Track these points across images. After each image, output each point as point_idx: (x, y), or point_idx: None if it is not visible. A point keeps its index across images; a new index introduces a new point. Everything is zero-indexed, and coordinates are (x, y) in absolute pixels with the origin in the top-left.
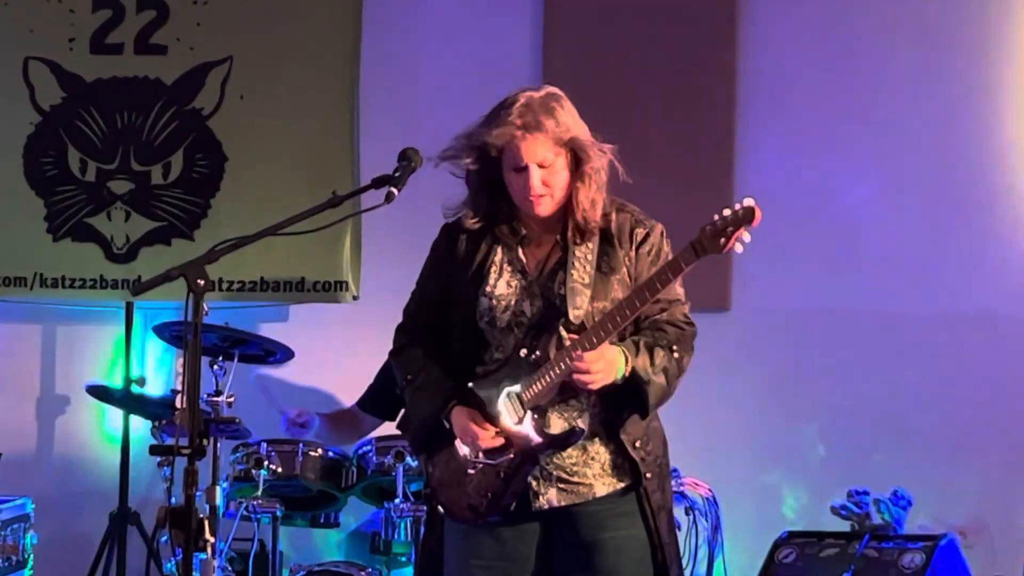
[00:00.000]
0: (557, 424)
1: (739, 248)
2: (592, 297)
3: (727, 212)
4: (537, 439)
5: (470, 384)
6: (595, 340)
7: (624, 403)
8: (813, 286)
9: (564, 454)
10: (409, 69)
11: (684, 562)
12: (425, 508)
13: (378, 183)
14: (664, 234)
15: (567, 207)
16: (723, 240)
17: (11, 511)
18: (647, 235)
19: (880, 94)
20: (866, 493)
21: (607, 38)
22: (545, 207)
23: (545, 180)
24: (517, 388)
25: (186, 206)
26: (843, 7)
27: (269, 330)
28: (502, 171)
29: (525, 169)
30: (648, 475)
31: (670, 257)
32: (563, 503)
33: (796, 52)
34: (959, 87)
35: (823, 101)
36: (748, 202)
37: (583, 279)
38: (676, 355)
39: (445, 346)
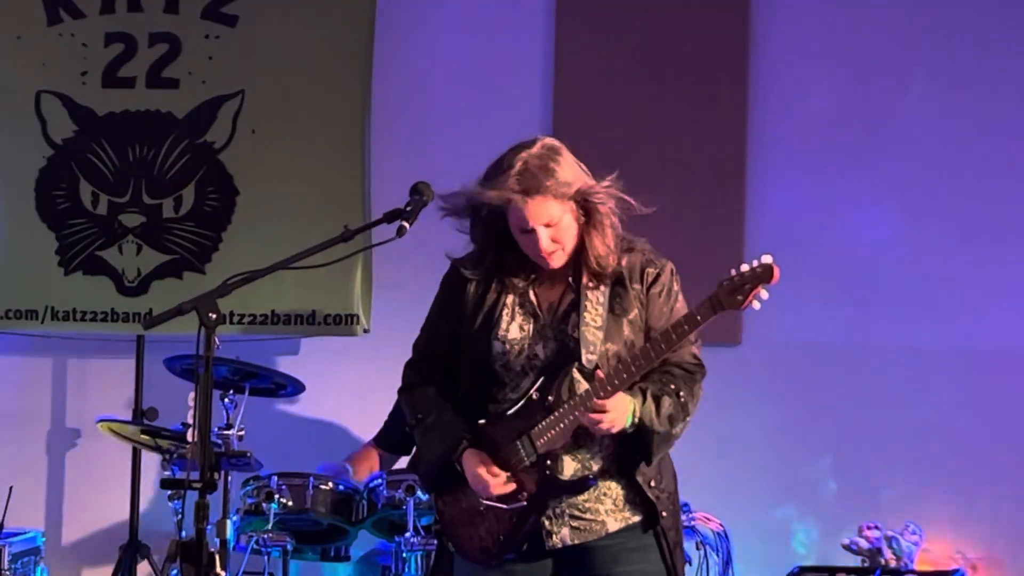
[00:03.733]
0: (570, 467)
1: (756, 305)
2: (605, 339)
3: (745, 268)
4: (550, 484)
5: (481, 422)
6: (610, 389)
7: (631, 448)
8: (825, 320)
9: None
10: (420, 103)
11: None
12: (435, 543)
13: (390, 217)
14: (674, 272)
15: (577, 250)
16: (740, 297)
17: (22, 544)
18: (658, 275)
19: (895, 125)
20: (877, 528)
21: (618, 71)
22: (558, 260)
23: (554, 237)
24: (530, 432)
25: (197, 239)
26: (857, 38)
27: (280, 363)
28: (507, 224)
29: (532, 231)
30: (664, 513)
31: (680, 296)
32: (576, 541)
33: (809, 83)
34: (975, 118)
35: (837, 132)
36: (767, 259)
37: (596, 322)
38: (682, 400)
39: (455, 382)
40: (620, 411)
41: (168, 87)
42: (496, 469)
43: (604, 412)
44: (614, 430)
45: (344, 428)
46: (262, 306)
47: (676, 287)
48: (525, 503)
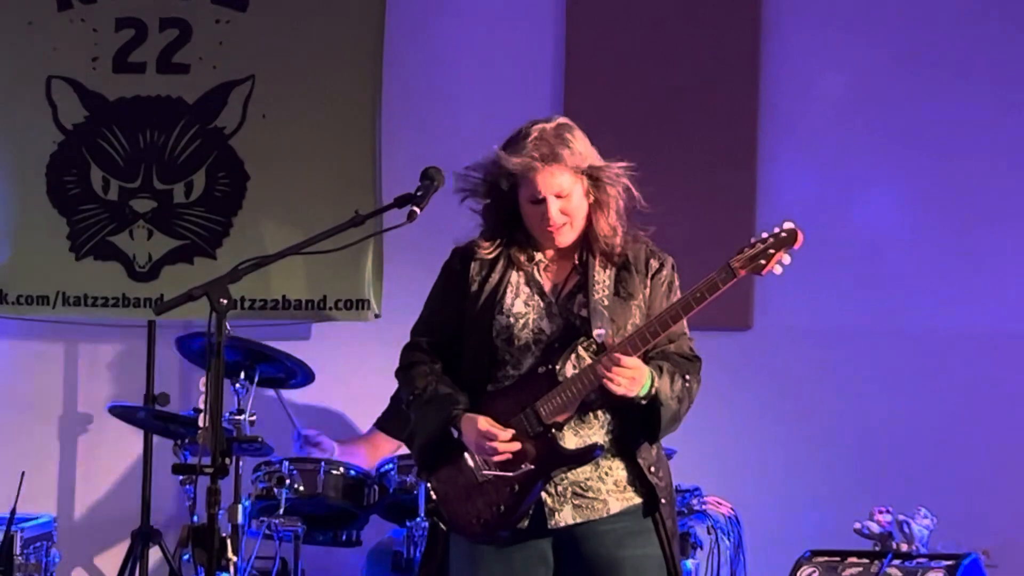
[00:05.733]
0: (572, 443)
1: (778, 270)
2: (610, 319)
3: (766, 235)
4: (555, 453)
5: (489, 388)
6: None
7: (635, 426)
8: (836, 305)
9: (578, 469)
10: (431, 88)
11: None
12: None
13: (400, 202)
14: (675, 267)
15: (584, 233)
16: (763, 262)
17: (34, 529)
18: (661, 267)
19: (907, 108)
20: (889, 512)
21: (629, 57)
22: (565, 237)
23: (564, 210)
24: (535, 404)
25: (208, 224)
26: (869, 21)
27: (291, 348)
28: (517, 202)
29: (543, 201)
30: (663, 501)
31: (679, 291)
32: (578, 520)
33: (819, 68)
34: (989, 102)
35: (848, 115)
36: (789, 225)
37: (603, 302)
38: (687, 385)
39: (454, 366)
40: (639, 374)
41: (178, 72)
42: (501, 427)
43: (627, 367)
44: (630, 393)
45: (355, 413)
46: (273, 291)
47: (676, 282)
48: (533, 466)
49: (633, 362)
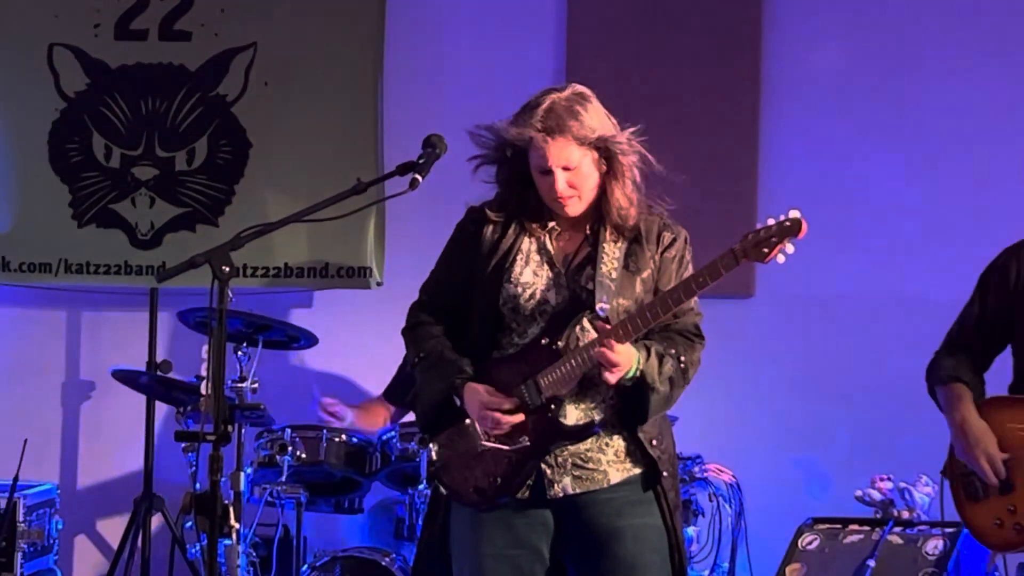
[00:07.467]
0: (573, 416)
1: (781, 259)
2: (617, 293)
3: (772, 222)
4: (554, 429)
5: (495, 355)
6: (622, 335)
7: (629, 406)
8: (838, 272)
9: None
10: (433, 56)
11: (708, 547)
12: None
13: (402, 170)
14: (688, 241)
15: (598, 203)
16: (766, 250)
17: (36, 496)
18: (673, 240)
19: (909, 76)
20: (890, 479)
21: (630, 29)
22: (574, 208)
23: (571, 182)
24: (536, 376)
25: (210, 192)
26: None
27: (294, 316)
28: (531, 168)
29: (550, 172)
30: (665, 473)
31: (690, 265)
32: (578, 490)
33: (823, 34)
34: (990, 67)
35: (850, 84)
36: (795, 214)
37: (610, 275)
38: (682, 366)
39: (461, 327)
40: (627, 361)
41: (180, 39)
42: (503, 398)
43: (614, 352)
44: (611, 377)
45: (357, 381)
46: (275, 259)
47: (688, 256)
48: (529, 443)
49: (622, 349)
